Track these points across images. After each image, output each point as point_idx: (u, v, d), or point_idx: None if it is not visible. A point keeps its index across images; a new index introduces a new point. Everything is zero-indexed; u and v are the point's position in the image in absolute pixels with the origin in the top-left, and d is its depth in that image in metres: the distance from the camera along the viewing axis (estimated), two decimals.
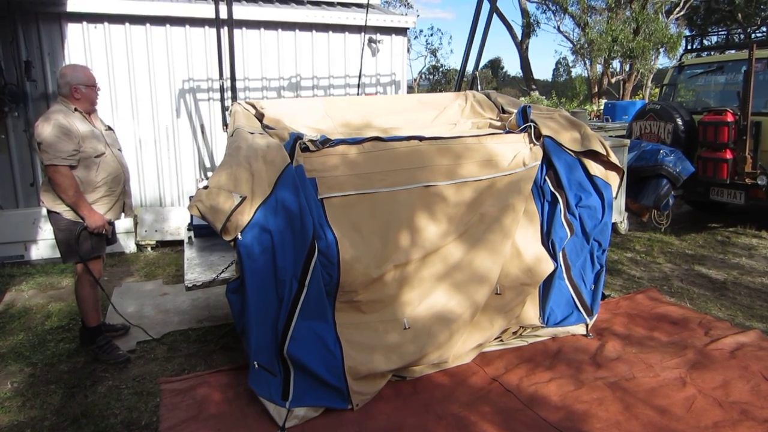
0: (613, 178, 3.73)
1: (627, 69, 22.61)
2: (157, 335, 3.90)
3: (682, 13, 22.27)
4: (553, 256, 3.52)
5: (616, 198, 3.80)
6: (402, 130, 3.90)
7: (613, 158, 3.70)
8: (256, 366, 2.85)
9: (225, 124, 4.73)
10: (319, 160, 3.04)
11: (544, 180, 3.56)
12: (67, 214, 3.41)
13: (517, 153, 3.51)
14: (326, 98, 4.90)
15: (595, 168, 3.65)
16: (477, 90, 4.85)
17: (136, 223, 6.16)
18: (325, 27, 6.96)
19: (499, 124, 3.89)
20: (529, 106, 3.77)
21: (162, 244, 6.24)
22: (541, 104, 4.40)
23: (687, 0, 21.70)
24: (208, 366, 3.48)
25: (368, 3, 6.53)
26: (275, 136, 3.18)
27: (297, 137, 3.04)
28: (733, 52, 7.44)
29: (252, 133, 3.27)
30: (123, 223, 5.82)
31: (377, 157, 3.17)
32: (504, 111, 4.13)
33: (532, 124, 3.60)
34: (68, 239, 3.44)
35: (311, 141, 3.02)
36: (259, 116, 3.71)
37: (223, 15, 4.94)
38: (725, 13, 21.79)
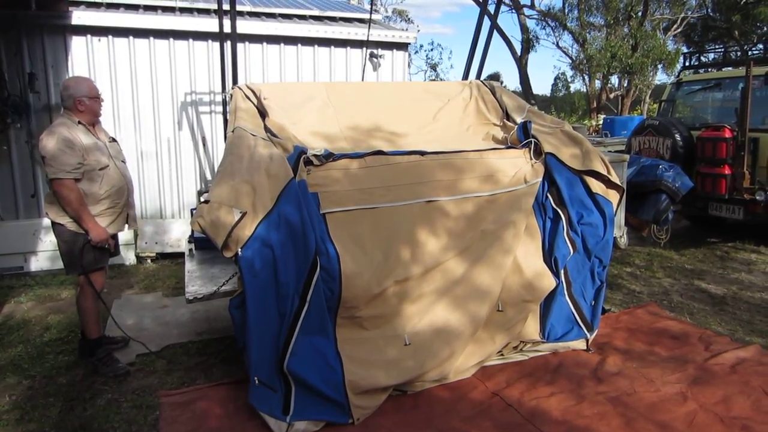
0: (613, 196, 3.74)
1: (625, 84, 22.80)
2: (156, 348, 3.88)
3: (679, 30, 22.54)
4: (556, 273, 3.51)
5: (615, 213, 3.81)
6: (408, 134, 3.86)
7: (614, 177, 3.70)
8: (257, 382, 2.84)
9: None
10: (321, 174, 3.05)
11: (546, 196, 3.57)
12: (71, 225, 3.41)
13: (518, 169, 3.52)
14: (329, 84, 4.77)
15: (596, 185, 3.66)
16: None
17: (136, 235, 6.15)
18: (328, 41, 7.02)
19: (501, 135, 3.90)
20: (530, 121, 3.80)
21: (162, 256, 6.23)
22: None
23: (684, 17, 21.97)
24: (207, 379, 3.46)
25: (370, 18, 6.60)
26: (279, 146, 3.19)
27: (301, 152, 3.05)
28: (730, 69, 7.52)
29: (255, 136, 3.27)
30: (123, 235, 5.79)
31: (379, 172, 3.18)
32: (508, 115, 4.11)
33: (533, 140, 3.63)
34: (71, 250, 3.44)
35: (315, 156, 3.03)
36: (261, 108, 3.66)
37: (227, 29, 5.00)
38: (722, 30, 22.02)
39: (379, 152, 3.27)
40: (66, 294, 5.06)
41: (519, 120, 3.96)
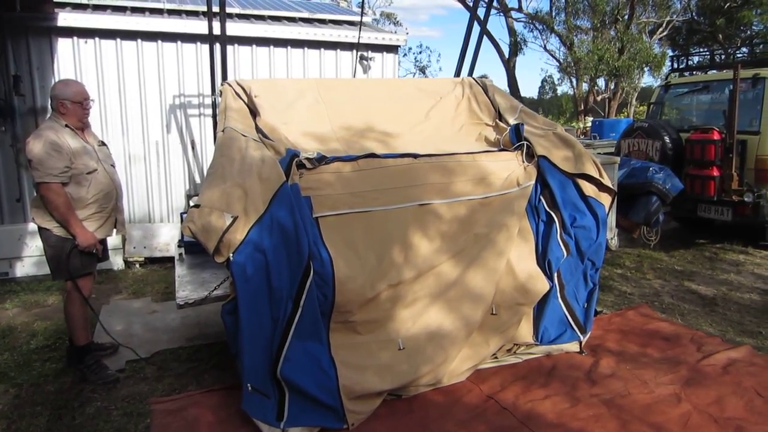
0: (605, 198, 3.74)
1: (612, 87, 23.01)
2: (146, 354, 3.82)
3: (665, 33, 22.80)
4: (549, 276, 3.51)
5: (607, 216, 3.81)
6: (401, 134, 3.82)
7: (606, 181, 3.71)
8: (250, 388, 2.80)
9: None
10: (313, 177, 3.02)
11: (539, 199, 3.56)
12: (57, 230, 3.35)
13: (510, 172, 3.52)
14: (320, 80, 4.71)
15: (588, 188, 3.66)
16: None
17: (124, 240, 6.07)
18: (317, 44, 6.99)
19: (493, 137, 3.89)
20: (522, 124, 3.79)
21: (150, 261, 6.15)
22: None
23: (669, 21, 22.24)
24: (199, 385, 3.41)
25: (361, 21, 6.59)
26: (271, 148, 3.16)
27: (294, 155, 3.02)
28: (715, 71, 7.60)
29: (246, 137, 3.23)
30: (111, 240, 5.67)
31: (372, 175, 3.15)
32: (501, 116, 4.08)
33: (525, 142, 3.62)
34: (58, 256, 3.38)
35: (307, 159, 3.00)
36: (252, 107, 3.61)
37: (216, 31, 4.95)
38: (706, 33, 22.34)
39: (372, 155, 3.25)
40: (53, 300, 4.97)
41: (511, 121, 3.95)
